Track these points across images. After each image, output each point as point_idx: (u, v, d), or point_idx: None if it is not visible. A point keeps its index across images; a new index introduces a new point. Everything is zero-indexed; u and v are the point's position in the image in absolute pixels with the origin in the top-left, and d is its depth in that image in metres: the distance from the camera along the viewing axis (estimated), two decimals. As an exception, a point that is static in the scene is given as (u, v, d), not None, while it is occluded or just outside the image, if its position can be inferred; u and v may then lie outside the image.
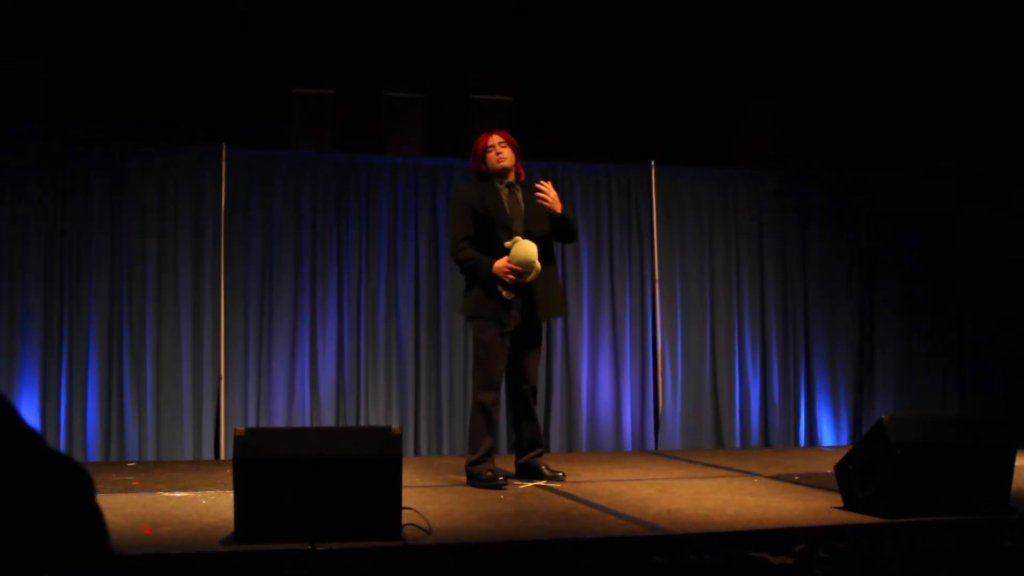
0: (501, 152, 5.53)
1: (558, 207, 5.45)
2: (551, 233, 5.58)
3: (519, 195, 5.57)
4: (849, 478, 4.51)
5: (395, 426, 3.93)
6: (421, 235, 7.55)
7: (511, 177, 5.58)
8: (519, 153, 5.65)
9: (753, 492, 5.16)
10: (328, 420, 7.23)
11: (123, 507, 4.66)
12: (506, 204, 5.50)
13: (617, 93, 8.25)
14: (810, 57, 8.42)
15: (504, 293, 5.38)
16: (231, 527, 3.84)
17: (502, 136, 5.59)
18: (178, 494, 5.10)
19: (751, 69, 8.45)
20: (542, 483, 5.48)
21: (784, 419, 8.01)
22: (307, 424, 7.14)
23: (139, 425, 6.99)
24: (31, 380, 6.84)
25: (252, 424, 7.03)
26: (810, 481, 5.51)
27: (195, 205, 7.21)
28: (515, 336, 5.50)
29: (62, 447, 6.84)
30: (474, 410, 5.53)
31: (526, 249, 5.33)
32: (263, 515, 3.72)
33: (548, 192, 5.43)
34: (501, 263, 5.35)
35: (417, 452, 7.38)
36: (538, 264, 5.35)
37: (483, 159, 5.56)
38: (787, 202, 8.21)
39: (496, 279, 5.36)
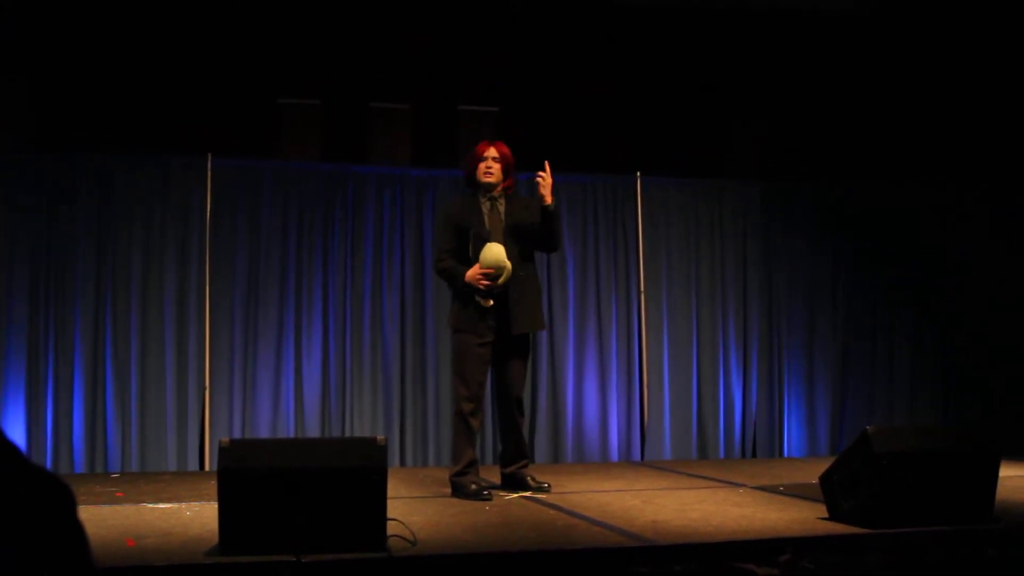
0: (491, 167, 5.56)
1: (549, 199, 5.47)
2: (533, 242, 5.59)
3: (500, 208, 5.59)
4: (834, 488, 4.52)
5: (380, 437, 3.92)
6: (407, 246, 7.54)
7: (495, 192, 5.60)
8: (511, 169, 5.66)
9: (738, 503, 5.16)
10: (313, 431, 7.21)
11: (107, 519, 4.64)
12: (486, 217, 5.52)
13: (603, 104, 8.26)
14: (797, 69, 8.46)
15: (481, 301, 5.39)
16: (215, 539, 3.83)
17: (498, 151, 5.61)
18: (162, 505, 5.08)
19: (737, 81, 8.48)
20: (527, 494, 5.48)
21: (768, 429, 8.03)
22: (292, 435, 7.12)
23: (123, 436, 6.96)
24: (16, 391, 6.81)
25: (237, 435, 7.01)
26: (795, 492, 5.52)
27: (181, 215, 7.19)
28: (497, 348, 5.50)
29: (48, 458, 6.81)
30: (455, 421, 5.57)
31: (491, 251, 5.35)
32: (248, 526, 3.71)
33: (547, 178, 5.45)
34: (472, 271, 5.37)
35: (402, 463, 7.37)
36: (508, 264, 5.35)
37: (475, 167, 5.59)
38: (772, 213, 8.23)
39: (472, 288, 5.38)
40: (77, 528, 1.18)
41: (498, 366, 5.58)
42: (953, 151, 8.38)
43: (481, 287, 5.36)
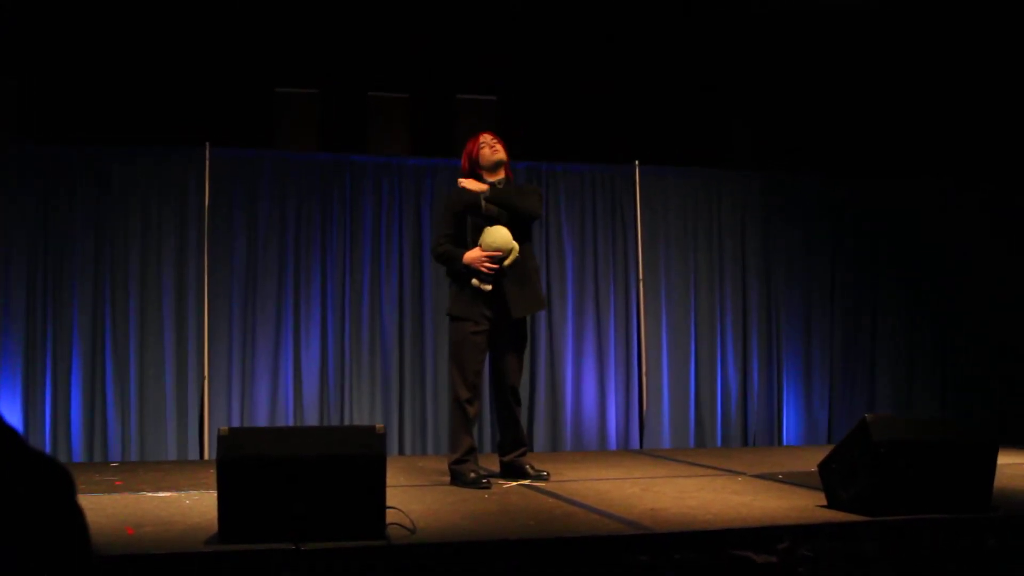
0: (495, 146, 5.56)
1: (476, 187, 5.45)
2: (519, 222, 5.52)
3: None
4: (832, 477, 4.52)
5: (379, 425, 3.92)
6: (405, 235, 7.54)
7: (501, 174, 5.57)
8: (507, 154, 5.65)
9: (737, 491, 5.17)
10: (312, 420, 7.22)
11: (106, 507, 4.64)
12: (483, 204, 5.49)
13: (602, 93, 8.25)
14: (797, 66, 8.44)
15: (480, 286, 5.35)
16: (215, 527, 3.83)
17: (492, 135, 5.62)
18: (161, 494, 5.09)
19: (737, 75, 8.47)
20: (526, 482, 5.48)
21: (767, 418, 8.04)
22: (291, 424, 7.13)
23: (123, 425, 6.96)
24: (14, 381, 6.81)
25: (236, 424, 7.02)
26: (794, 480, 5.52)
27: (179, 205, 7.18)
28: (493, 336, 5.50)
29: (46, 448, 6.80)
30: (452, 408, 5.56)
31: (497, 233, 5.33)
32: (247, 515, 3.71)
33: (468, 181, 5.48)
34: (472, 253, 5.35)
35: (401, 452, 7.38)
36: (515, 245, 5.33)
37: (478, 157, 5.56)
38: (771, 204, 8.23)
39: (472, 271, 5.36)
40: (77, 513, 1.18)
41: (494, 355, 5.58)
42: (954, 150, 8.38)
43: (484, 270, 5.34)
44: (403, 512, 4.12)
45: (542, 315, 7.56)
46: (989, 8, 7.92)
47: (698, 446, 7.85)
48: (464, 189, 5.53)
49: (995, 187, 8.36)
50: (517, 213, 5.47)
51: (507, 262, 5.34)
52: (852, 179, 8.37)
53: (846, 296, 8.29)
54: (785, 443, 8.05)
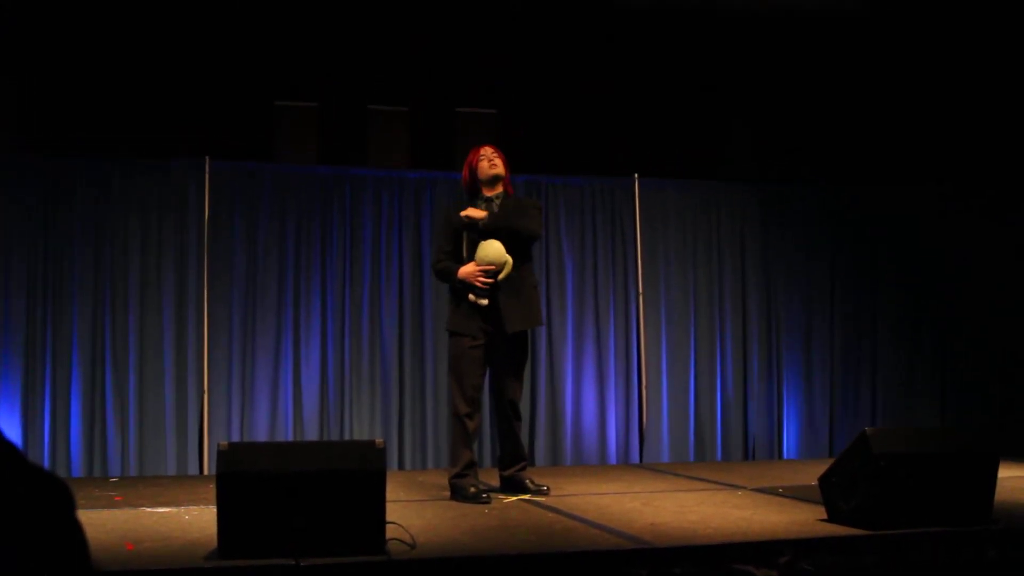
0: (493, 159, 5.56)
1: (476, 214, 5.45)
2: (518, 239, 5.50)
3: (496, 208, 5.55)
4: (833, 490, 4.52)
5: (379, 440, 3.92)
6: (405, 248, 7.54)
7: (499, 188, 5.58)
8: (507, 169, 5.65)
9: (737, 505, 5.16)
10: (312, 434, 7.21)
11: (105, 523, 4.63)
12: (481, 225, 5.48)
13: (601, 106, 8.27)
14: (796, 72, 8.46)
15: (477, 300, 5.35)
16: (214, 543, 3.83)
17: (493, 148, 5.62)
18: (161, 509, 5.08)
19: (735, 84, 8.48)
20: (526, 497, 5.47)
21: (767, 431, 8.02)
22: (291, 438, 7.12)
23: (122, 440, 6.94)
24: (13, 395, 6.79)
25: (235, 439, 7.00)
26: (794, 493, 5.51)
27: (178, 218, 7.18)
28: (491, 351, 5.49)
29: (45, 463, 6.79)
30: (451, 422, 5.57)
31: (491, 247, 5.33)
32: (247, 530, 3.70)
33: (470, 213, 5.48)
34: (467, 268, 5.36)
35: (401, 466, 7.36)
36: (509, 259, 5.33)
37: (476, 169, 5.57)
38: (770, 216, 8.23)
39: (467, 286, 5.36)
40: (76, 528, 1.18)
41: (493, 370, 5.57)
42: (953, 157, 8.38)
43: (478, 284, 5.34)
44: (403, 527, 4.11)
45: (542, 329, 7.55)
46: (988, 14, 7.93)
47: (698, 460, 7.83)
48: (460, 204, 5.55)
49: (995, 193, 8.36)
50: (518, 235, 5.48)
51: (501, 276, 5.34)
52: (851, 186, 8.38)
53: (846, 303, 8.28)
54: (785, 455, 8.03)
